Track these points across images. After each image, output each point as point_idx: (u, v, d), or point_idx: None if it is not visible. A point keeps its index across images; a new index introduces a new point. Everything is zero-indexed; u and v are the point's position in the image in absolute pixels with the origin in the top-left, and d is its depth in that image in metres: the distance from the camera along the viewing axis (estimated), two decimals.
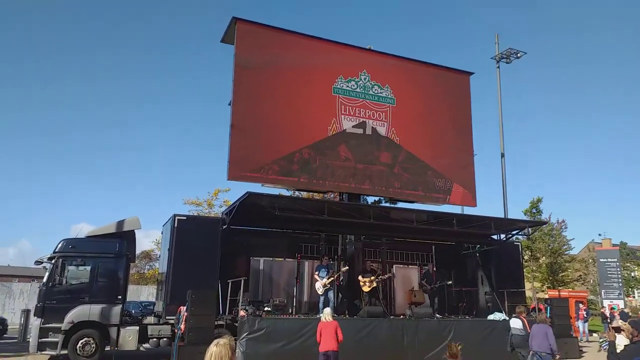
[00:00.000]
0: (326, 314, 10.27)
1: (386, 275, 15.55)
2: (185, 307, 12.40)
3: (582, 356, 16.41)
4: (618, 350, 6.57)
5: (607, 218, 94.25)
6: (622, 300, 26.06)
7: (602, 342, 18.40)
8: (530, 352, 11.08)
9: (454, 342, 6.33)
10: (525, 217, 30.50)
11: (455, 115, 19.42)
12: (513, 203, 76.11)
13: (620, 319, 19.10)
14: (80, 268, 13.76)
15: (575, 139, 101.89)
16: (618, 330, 7.63)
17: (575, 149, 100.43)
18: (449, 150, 18.89)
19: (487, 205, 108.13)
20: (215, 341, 3.69)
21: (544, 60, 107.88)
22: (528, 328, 12.32)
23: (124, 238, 14.36)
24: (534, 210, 32.51)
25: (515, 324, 13.57)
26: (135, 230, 15.06)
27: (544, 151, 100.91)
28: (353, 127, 17.46)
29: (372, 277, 15.72)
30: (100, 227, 14.64)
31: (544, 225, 31.74)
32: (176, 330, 12.59)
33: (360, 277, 15.74)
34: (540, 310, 16.36)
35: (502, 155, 23.79)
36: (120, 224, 14.50)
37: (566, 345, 16.06)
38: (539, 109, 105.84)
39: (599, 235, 45.19)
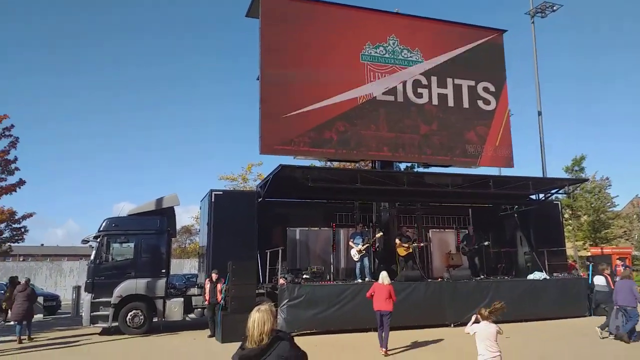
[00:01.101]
0: (383, 277, 10.60)
1: (422, 244, 15.49)
2: (211, 279, 13.12)
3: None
4: None
5: None
6: None
7: None
8: (615, 307, 11.09)
9: (497, 301, 6.28)
10: (565, 175, 29.61)
11: (489, 75, 18.81)
12: (554, 164, 73.87)
13: None
14: (124, 245, 14.33)
15: (614, 101, 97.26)
16: None
17: (615, 108, 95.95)
18: (482, 112, 18.40)
19: (526, 167, 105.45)
20: (256, 307, 3.79)
21: (581, 16, 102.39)
22: (612, 284, 12.39)
23: (164, 214, 14.81)
24: (576, 169, 31.45)
25: (599, 281, 13.70)
26: (175, 207, 15.48)
27: (583, 111, 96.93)
28: (383, 94, 17.18)
29: (409, 243, 15.75)
30: (140, 205, 15.10)
31: (587, 183, 30.82)
32: (207, 301, 13.28)
33: (397, 241, 15.79)
34: (627, 266, 16.41)
35: (539, 114, 23.01)
36: (160, 201, 14.92)
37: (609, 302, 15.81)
38: (575, 69, 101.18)
39: None
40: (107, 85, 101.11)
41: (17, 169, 20.33)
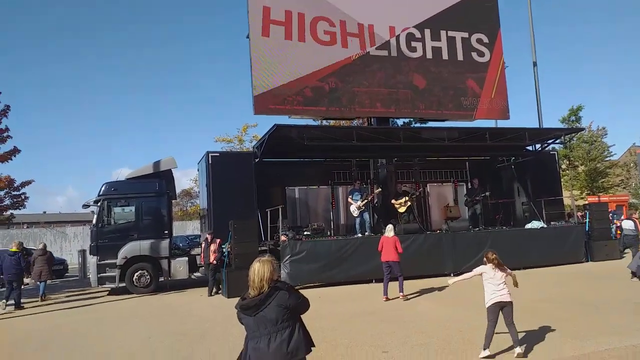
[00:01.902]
0: (388, 230, 11.09)
1: (418, 191, 15.64)
2: (208, 239, 13.30)
3: (623, 257, 16.47)
4: None
5: None
6: None
7: None
8: None
9: (491, 251, 6.51)
10: (562, 126, 29.54)
11: (483, 26, 18.49)
12: (550, 115, 73.44)
13: None
14: (125, 208, 14.52)
15: (611, 43, 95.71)
16: None
17: (612, 52, 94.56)
18: (477, 64, 18.18)
19: (522, 119, 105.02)
20: (257, 259, 3.91)
21: None
22: None
23: (162, 177, 14.92)
24: (573, 119, 31.33)
25: (628, 225, 13.89)
26: (173, 170, 15.58)
27: (580, 57, 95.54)
28: (377, 49, 16.94)
29: (406, 198, 15.93)
30: (138, 169, 15.15)
31: (583, 133, 30.81)
32: (202, 260, 13.62)
33: (393, 201, 15.98)
34: None
35: (535, 64, 22.69)
36: (157, 164, 14.98)
37: (606, 247, 16.17)
38: (572, 11, 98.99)
39: None
40: (100, 47, 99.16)
41: (9, 137, 20.34)
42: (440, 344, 6.81)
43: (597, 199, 25.73)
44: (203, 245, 13.60)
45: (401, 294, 10.70)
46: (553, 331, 7.14)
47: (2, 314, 11.59)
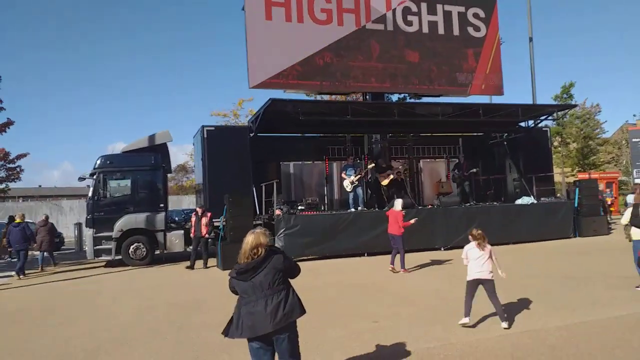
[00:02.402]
0: (396, 204, 11.33)
1: (400, 166, 15.71)
2: (197, 213, 13.35)
3: (611, 232, 16.84)
4: None
5: None
6: None
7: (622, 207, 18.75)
8: None
9: (475, 228, 6.72)
10: (554, 102, 29.61)
11: (479, 1, 18.38)
12: (545, 95, 73.25)
13: None
14: (121, 181, 14.61)
15: (605, 16, 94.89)
16: None
17: (607, 28, 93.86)
18: (472, 39, 18.16)
19: (517, 95, 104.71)
20: (250, 231, 4.05)
21: None
22: None
23: (157, 151, 14.97)
24: (565, 96, 31.36)
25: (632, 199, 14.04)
26: (168, 143, 15.62)
27: (576, 32, 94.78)
28: (373, 22, 16.84)
29: (388, 172, 15.97)
30: (133, 142, 15.17)
31: (576, 109, 30.90)
32: (192, 234, 13.50)
33: (377, 175, 16.10)
34: None
35: (530, 40, 22.68)
36: (152, 137, 15.00)
37: (594, 223, 16.50)
38: None
39: (634, 115, 43.63)
40: (97, 12, 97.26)
41: (2, 108, 20.30)
42: (427, 314, 7.06)
43: (587, 175, 26.02)
44: (193, 218, 13.60)
45: (402, 269, 10.81)
46: (538, 303, 7.40)
47: (1, 285, 11.78)
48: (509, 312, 6.81)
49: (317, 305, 7.51)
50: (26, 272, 13.01)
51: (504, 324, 6.17)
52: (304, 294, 4.10)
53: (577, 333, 5.88)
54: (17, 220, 13.05)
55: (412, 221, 11.31)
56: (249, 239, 3.89)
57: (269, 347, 3.87)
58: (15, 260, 16.71)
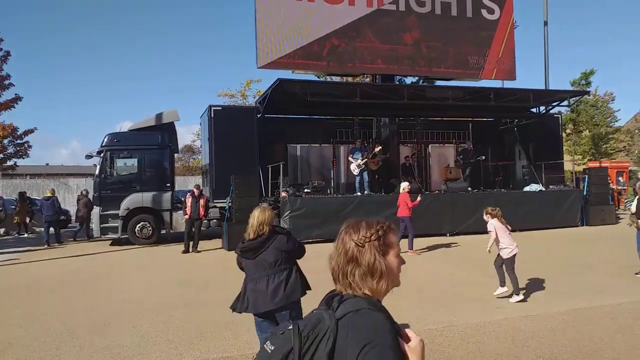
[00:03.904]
0: (402, 187, 11.51)
1: (378, 148, 15.44)
2: (193, 194, 12.83)
3: (619, 222, 16.69)
4: None
5: None
6: None
7: (627, 202, 18.54)
8: None
9: (491, 207, 7.00)
10: (571, 88, 29.15)
11: None
12: (562, 82, 71.90)
13: None
14: (128, 160, 14.63)
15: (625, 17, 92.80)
16: None
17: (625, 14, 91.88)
18: (486, 22, 17.81)
19: (531, 83, 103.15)
20: (256, 207, 4.09)
21: None
22: None
23: (164, 130, 14.93)
24: (583, 82, 30.74)
25: None
26: (175, 123, 15.56)
27: (593, 18, 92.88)
28: (385, 2, 16.56)
29: (377, 159, 15.59)
30: (140, 121, 15.14)
31: (589, 97, 30.42)
32: (187, 216, 12.75)
33: (366, 160, 15.73)
34: None
35: (545, 24, 22.22)
36: (159, 116, 14.97)
37: (603, 212, 16.35)
38: None
39: None
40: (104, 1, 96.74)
41: (11, 84, 20.36)
42: (431, 297, 7.05)
43: (598, 164, 25.72)
44: (190, 199, 12.73)
45: (409, 250, 11.03)
46: (541, 289, 7.37)
47: (5, 261, 11.92)
48: (514, 296, 6.80)
49: (320, 286, 7.51)
50: (31, 249, 13.22)
51: (518, 297, 6.48)
52: (308, 275, 4.13)
53: (579, 318, 5.86)
54: (48, 194, 14.82)
55: (419, 198, 11.53)
56: (256, 214, 3.97)
57: (273, 321, 3.95)
58: (24, 236, 17.21)
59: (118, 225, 13.99)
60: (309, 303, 4.34)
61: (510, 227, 6.78)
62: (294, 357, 1.38)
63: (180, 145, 24.21)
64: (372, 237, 1.52)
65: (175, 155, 17.87)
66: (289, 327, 1.45)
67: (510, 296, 6.61)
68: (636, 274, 8.12)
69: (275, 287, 3.82)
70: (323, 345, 1.37)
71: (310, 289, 4.06)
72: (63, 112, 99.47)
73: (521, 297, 6.55)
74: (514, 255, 6.63)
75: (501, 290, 6.65)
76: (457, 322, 5.78)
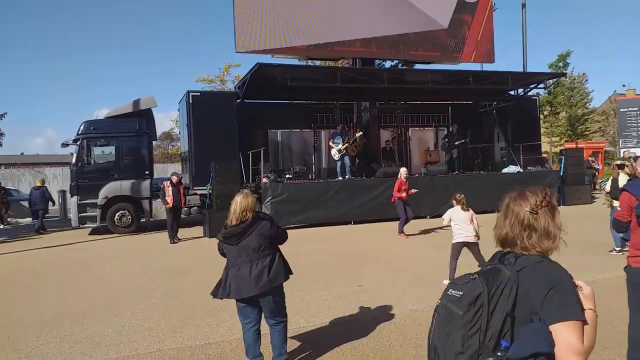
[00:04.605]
0: (400, 172, 11.53)
1: (358, 134, 15.47)
2: (172, 182, 12.14)
3: (594, 202, 17.08)
4: (620, 186, 6.85)
5: (633, 70, 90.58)
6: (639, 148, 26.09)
7: (601, 182, 19.00)
8: None
9: (458, 194, 6.96)
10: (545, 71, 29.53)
11: None
12: (540, 64, 72.84)
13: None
14: (105, 148, 14.36)
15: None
16: (622, 167, 7.85)
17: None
18: (465, 4, 17.83)
19: (510, 65, 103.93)
20: (238, 193, 4.06)
21: None
22: None
23: (142, 117, 14.67)
24: (561, 64, 31.14)
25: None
26: (153, 110, 15.33)
27: (568, 9, 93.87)
28: None
29: (355, 144, 15.42)
30: (117, 107, 14.85)
31: (565, 79, 30.87)
32: (169, 205, 12.02)
33: (348, 146, 15.68)
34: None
35: (523, 6, 22.37)
36: (137, 103, 14.69)
37: (579, 192, 16.69)
38: None
39: (623, 86, 43.80)
40: None
41: None
42: (412, 279, 7.13)
43: (574, 145, 26.23)
44: (170, 188, 11.99)
45: (399, 234, 11.23)
46: None
47: None
48: None
49: (302, 270, 7.54)
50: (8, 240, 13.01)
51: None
52: (290, 260, 4.15)
53: None
54: (38, 184, 15.66)
55: (413, 190, 11.61)
56: (238, 200, 3.94)
57: (256, 306, 3.97)
58: (6, 227, 16.83)
59: (97, 214, 13.77)
60: (291, 287, 4.38)
61: (471, 212, 6.67)
62: (483, 300, 1.59)
63: (159, 132, 23.80)
64: (543, 204, 1.74)
65: (154, 142, 17.61)
66: (473, 277, 1.67)
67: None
68: (610, 251, 8.36)
69: (258, 272, 3.82)
70: (507, 290, 1.60)
71: (292, 273, 4.09)
72: (37, 100, 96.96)
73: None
74: (458, 242, 6.65)
75: None
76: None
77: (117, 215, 13.89)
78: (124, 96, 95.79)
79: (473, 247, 6.58)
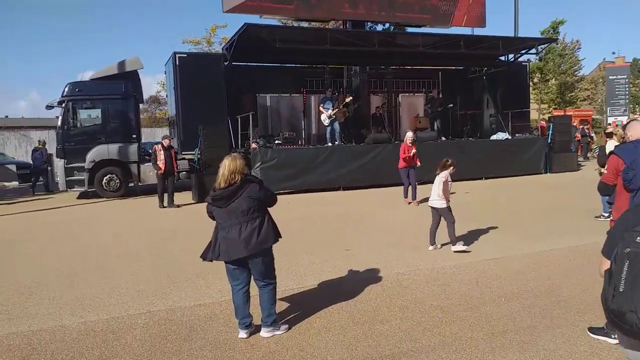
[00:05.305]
0: (406, 137, 11.11)
1: (349, 99, 15.34)
2: (164, 146, 11.70)
3: (580, 169, 17.30)
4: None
5: (623, 37, 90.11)
6: (627, 117, 26.22)
7: (595, 148, 19.23)
8: None
9: (445, 159, 6.95)
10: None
11: None
12: (531, 28, 71.86)
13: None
14: (91, 110, 14.12)
15: None
16: (610, 135, 7.95)
17: None
18: None
19: (501, 32, 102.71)
20: (226, 156, 4.03)
21: None
22: None
23: (128, 79, 14.36)
24: (552, 32, 30.90)
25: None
26: (140, 72, 15.01)
27: None
28: None
29: (343, 109, 15.23)
30: (102, 69, 14.51)
31: (556, 45, 30.69)
32: (161, 171, 11.61)
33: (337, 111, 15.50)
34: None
35: None
36: (122, 64, 14.36)
37: (565, 159, 16.86)
38: None
39: (613, 54, 43.71)
40: None
41: None
42: (400, 243, 7.24)
43: (562, 112, 26.33)
44: (162, 152, 11.55)
45: (413, 200, 10.89)
46: (505, 233, 7.65)
47: None
48: (479, 241, 7.08)
49: (291, 235, 7.60)
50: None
51: (454, 247, 6.53)
52: (280, 224, 4.19)
53: (539, 260, 6.14)
54: (39, 146, 16.68)
55: (418, 163, 11.11)
56: (227, 163, 3.92)
57: (245, 268, 4.01)
58: None
59: (84, 178, 13.66)
60: (280, 250, 4.43)
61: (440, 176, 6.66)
62: None
63: (146, 95, 23.39)
64: None
65: (141, 105, 17.34)
66: None
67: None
68: (597, 217, 8.51)
69: (248, 234, 3.85)
70: None
71: (281, 237, 4.13)
72: (18, 62, 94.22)
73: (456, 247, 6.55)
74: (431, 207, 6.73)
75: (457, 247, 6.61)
76: (424, 266, 5.98)
77: (105, 179, 13.78)
78: (109, 59, 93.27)
79: (437, 212, 6.65)
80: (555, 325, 4.14)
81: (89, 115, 14.19)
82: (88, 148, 13.68)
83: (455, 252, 6.46)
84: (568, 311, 4.42)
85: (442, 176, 6.66)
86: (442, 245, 6.80)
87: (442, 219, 6.67)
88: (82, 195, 14.33)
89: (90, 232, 9.00)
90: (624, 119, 24.85)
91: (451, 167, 6.74)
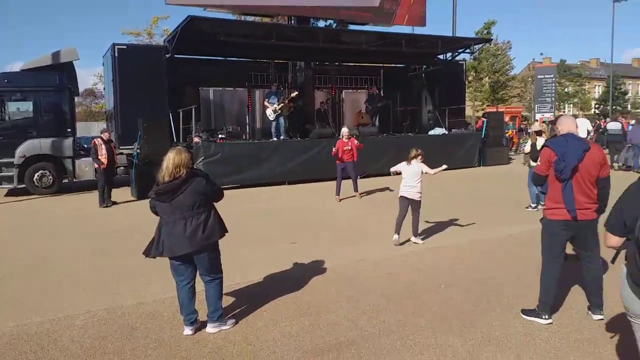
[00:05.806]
0: (342, 133, 11.21)
1: (294, 93, 15.49)
2: (104, 140, 11.14)
3: (511, 162, 18.29)
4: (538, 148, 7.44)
5: (551, 40, 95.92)
6: (553, 114, 27.93)
7: (523, 142, 20.39)
8: (627, 145, 14.71)
9: (414, 148, 7.06)
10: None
11: None
12: (469, 32, 74.92)
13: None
14: (21, 103, 13.33)
15: None
16: (539, 133, 8.50)
17: None
18: None
19: (440, 32, 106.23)
20: (171, 149, 3.96)
21: None
22: (626, 128, 15.40)
23: (62, 70, 13.66)
24: (486, 32, 32.50)
25: (614, 126, 16.08)
26: (75, 64, 14.34)
27: None
28: None
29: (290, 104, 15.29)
30: (35, 59, 13.71)
31: (490, 46, 32.26)
32: (104, 166, 10.96)
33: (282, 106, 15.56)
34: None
35: None
36: (57, 55, 13.62)
37: (497, 153, 17.78)
38: None
39: (540, 54, 46.44)
40: None
41: None
42: (344, 236, 7.42)
43: (495, 109, 27.68)
44: (104, 146, 10.94)
45: (356, 192, 11.18)
46: (445, 224, 8.00)
47: None
48: (418, 232, 7.38)
49: (237, 229, 7.58)
50: None
51: (414, 239, 6.80)
52: (225, 219, 4.16)
53: (475, 248, 6.51)
54: None
55: (358, 143, 11.28)
56: (171, 156, 3.83)
57: (190, 264, 3.96)
58: None
59: (14, 175, 12.87)
60: (226, 245, 4.43)
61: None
62: None
63: (81, 88, 22.33)
64: None
65: (76, 99, 16.53)
66: None
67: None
68: (526, 207, 9.11)
69: (193, 230, 3.80)
70: None
71: (227, 231, 4.11)
72: None
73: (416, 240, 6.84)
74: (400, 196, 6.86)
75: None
76: (368, 256, 6.17)
77: (36, 175, 13.05)
78: (44, 51, 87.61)
79: (408, 203, 6.73)
80: (491, 308, 4.43)
81: (18, 109, 13.39)
82: (18, 142, 12.90)
83: (414, 242, 6.73)
84: (502, 296, 4.73)
85: (423, 168, 6.81)
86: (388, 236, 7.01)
87: (411, 210, 6.76)
88: (10, 193, 13.50)
89: (22, 233, 8.55)
90: (550, 115, 26.51)
91: (419, 157, 6.89)
